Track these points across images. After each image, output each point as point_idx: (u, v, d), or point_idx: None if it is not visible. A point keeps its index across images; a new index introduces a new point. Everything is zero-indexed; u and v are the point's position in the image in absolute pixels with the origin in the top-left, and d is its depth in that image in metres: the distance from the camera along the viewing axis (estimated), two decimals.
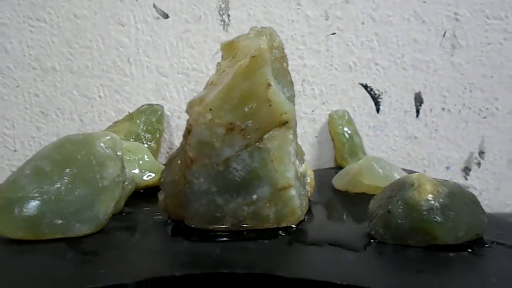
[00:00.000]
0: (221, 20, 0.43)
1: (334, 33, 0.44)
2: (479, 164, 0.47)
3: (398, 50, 0.45)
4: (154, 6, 0.43)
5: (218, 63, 0.25)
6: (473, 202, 0.23)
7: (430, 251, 0.21)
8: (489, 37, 0.45)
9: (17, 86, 0.43)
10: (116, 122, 0.42)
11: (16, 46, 0.43)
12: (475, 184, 0.47)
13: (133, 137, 0.40)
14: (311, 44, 0.44)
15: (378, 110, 0.46)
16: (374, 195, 0.31)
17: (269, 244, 0.22)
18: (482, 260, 0.20)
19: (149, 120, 0.41)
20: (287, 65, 0.28)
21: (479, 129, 0.46)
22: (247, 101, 0.22)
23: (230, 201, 0.23)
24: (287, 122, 0.22)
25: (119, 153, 0.24)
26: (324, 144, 0.46)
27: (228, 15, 0.43)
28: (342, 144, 0.43)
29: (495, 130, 0.46)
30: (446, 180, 0.23)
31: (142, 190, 0.32)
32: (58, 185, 0.22)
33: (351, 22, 0.44)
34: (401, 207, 0.22)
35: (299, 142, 0.27)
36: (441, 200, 0.21)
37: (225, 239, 0.22)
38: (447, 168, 0.47)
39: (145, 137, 0.40)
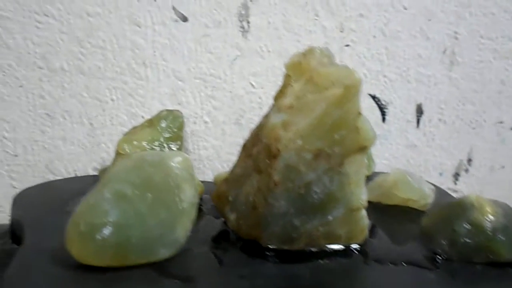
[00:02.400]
0: (240, 27, 0.43)
1: (348, 45, 0.46)
2: (467, 170, 0.51)
3: (404, 64, 0.47)
4: (173, 8, 0.42)
5: (290, 85, 0.26)
6: None
7: (495, 268, 0.23)
8: (482, 56, 0.49)
9: (20, 86, 0.40)
10: (134, 127, 0.40)
11: (20, 42, 0.39)
12: (462, 188, 0.52)
13: (157, 144, 0.38)
14: None
15: (384, 119, 0.48)
16: (406, 207, 0.34)
17: (348, 263, 0.23)
18: None
19: (170, 126, 0.40)
20: None
21: (469, 139, 0.51)
22: (337, 128, 0.22)
23: (306, 222, 0.24)
24: (366, 147, 0.24)
25: (192, 173, 0.24)
26: None
27: (248, 22, 0.43)
28: None
29: (482, 140, 0.51)
30: (495, 200, 0.26)
31: None
32: (141, 210, 0.22)
33: (364, 35, 0.46)
34: (466, 227, 0.24)
35: None
36: (501, 220, 0.24)
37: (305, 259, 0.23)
38: (440, 174, 0.51)
39: (168, 144, 0.39)
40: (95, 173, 0.42)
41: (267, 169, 0.23)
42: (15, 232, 0.31)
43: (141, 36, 0.41)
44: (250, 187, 0.25)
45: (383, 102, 0.48)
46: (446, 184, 0.51)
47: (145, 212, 0.22)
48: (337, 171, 0.23)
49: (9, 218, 0.32)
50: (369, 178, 0.44)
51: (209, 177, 0.45)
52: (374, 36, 0.46)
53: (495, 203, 0.25)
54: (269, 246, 0.24)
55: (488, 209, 0.24)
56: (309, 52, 0.27)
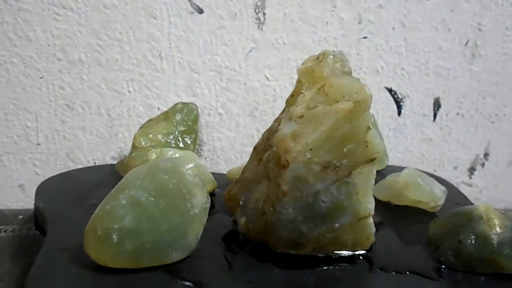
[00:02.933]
0: (256, 18, 0.43)
1: (365, 37, 0.45)
2: (483, 164, 0.51)
3: (424, 57, 0.46)
4: (189, 0, 0.41)
5: (301, 93, 0.26)
6: None
7: (498, 280, 0.24)
8: (506, 48, 0.47)
9: (41, 77, 0.41)
10: (150, 120, 0.41)
11: (40, 34, 0.40)
12: (477, 182, 0.51)
13: (172, 137, 0.39)
14: (343, 47, 0.45)
15: (399, 113, 0.48)
16: (416, 208, 0.34)
17: (353, 270, 0.24)
18: None
19: (185, 120, 0.41)
20: None
21: (487, 133, 0.50)
22: (346, 142, 0.23)
23: (314, 229, 0.25)
24: (375, 159, 0.24)
25: (204, 179, 0.25)
26: None
27: (264, 14, 0.43)
28: None
29: (500, 134, 0.50)
30: (505, 212, 0.26)
31: None
32: (154, 215, 0.23)
33: (382, 27, 0.45)
34: (473, 238, 0.24)
35: None
36: (508, 234, 0.24)
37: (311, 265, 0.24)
38: (455, 168, 0.50)
39: (182, 137, 0.40)
40: (113, 162, 0.44)
41: (276, 178, 0.24)
42: (38, 222, 0.33)
43: (157, 28, 0.42)
44: (260, 194, 0.25)
45: (400, 96, 0.47)
46: (461, 178, 0.51)
47: (158, 218, 0.23)
48: (345, 182, 0.24)
49: (33, 204, 0.34)
50: (382, 173, 0.44)
51: (223, 167, 0.46)
52: (393, 28, 0.45)
53: (505, 215, 0.25)
54: (277, 251, 0.25)
55: (496, 221, 0.24)
56: (323, 56, 0.27)
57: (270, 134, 0.27)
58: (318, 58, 0.27)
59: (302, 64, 0.28)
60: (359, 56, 0.45)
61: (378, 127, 0.47)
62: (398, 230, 0.30)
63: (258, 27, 0.43)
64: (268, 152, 0.26)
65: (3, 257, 0.34)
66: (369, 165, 0.24)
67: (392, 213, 0.34)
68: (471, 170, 0.51)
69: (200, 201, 0.24)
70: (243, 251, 0.26)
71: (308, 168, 0.23)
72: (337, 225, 0.25)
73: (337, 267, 0.24)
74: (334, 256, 0.25)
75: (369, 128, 0.23)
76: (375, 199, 0.36)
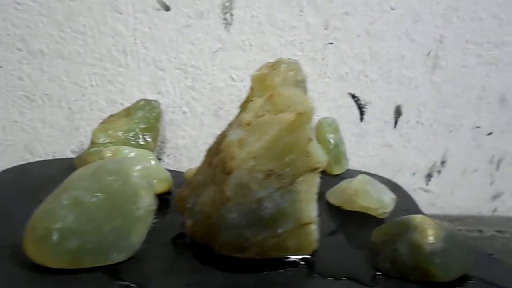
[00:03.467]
0: (223, 19, 0.43)
1: (331, 43, 0.46)
2: (439, 172, 0.53)
3: (387, 65, 0.47)
4: None
5: (252, 100, 0.26)
6: (464, 243, 0.27)
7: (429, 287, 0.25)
8: (465, 60, 0.49)
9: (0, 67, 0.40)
10: (111, 115, 0.41)
11: (0, 23, 0.39)
12: (434, 189, 0.53)
13: (132, 134, 0.39)
14: (309, 52, 0.46)
15: (362, 118, 0.49)
16: (365, 214, 0.35)
17: (293, 275, 0.25)
18: None
19: (147, 117, 0.41)
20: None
21: (444, 142, 0.52)
22: (288, 152, 0.23)
23: (257, 233, 0.25)
24: (317, 168, 0.25)
25: (151, 181, 0.25)
26: None
27: (231, 15, 0.43)
28: (328, 150, 0.46)
29: (457, 143, 0.52)
30: (442, 222, 0.27)
31: None
32: (97, 216, 0.23)
33: (348, 34, 0.46)
34: (407, 248, 0.25)
35: None
36: (440, 244, 0.25)
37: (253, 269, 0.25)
38: (413, 174, 0.52)
39: (143, 135, 0.40)
40: (74, 155, 0.43)
41: (221, 183, 0.24)
42: None
43: (122, 23, 0.41)
44: (207, 197, 0.26)
45: (362, 102, 0.48)
46: (418, 184, 0.52)
47: (100, 219, 0.23)
48: (288, 189, 0.24)
49: None
50: (341, 176, 0.46)
51: (185, 165, 0.46)
52: (358, 36, 0.46)
53: (441, 226, 0.26)
54: (222, 254, 0.26)
55: (430, 232, 0.25)
56: (277, 64, 0.28)
57: (222, 137, 0.27)
58: (273, 65, 0.28)
59: (257, 70, 0.28)
60: (324, 61, 0.46)
61: (340, 132, 0.48)
62: (346, 235, 0.31)
63: (225, 27, 0.43)
64: (218, 156, 0.26)
65: None
66: (312, 174, 0.25)
67: (343, 218, 0.35)
68: (428, 176, 0.53)
69: (146, 203, 0.25)
70: (189, 253, 0.26)
71: (251, 176, 0.23)
72: (280, 230, 0.25)
73: (277, 271, 0.25)
74: (277, 261, 0.26)
75: (310, 140, 0.23)
76: (328, 203, 0.37)
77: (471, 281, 0.26)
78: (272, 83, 0.25)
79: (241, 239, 0.25)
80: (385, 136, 0.50)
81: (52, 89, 0.42)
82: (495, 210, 0.55)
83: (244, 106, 0.27)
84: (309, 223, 0.26)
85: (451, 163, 0.52)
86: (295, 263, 0.26)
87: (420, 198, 0.53)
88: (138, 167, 0.25)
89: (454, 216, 0.54)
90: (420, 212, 0.40)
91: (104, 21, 0.41)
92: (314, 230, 0.26)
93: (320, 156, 0.24)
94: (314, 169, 0.24)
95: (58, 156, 0.43)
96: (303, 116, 0.23)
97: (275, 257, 0.26)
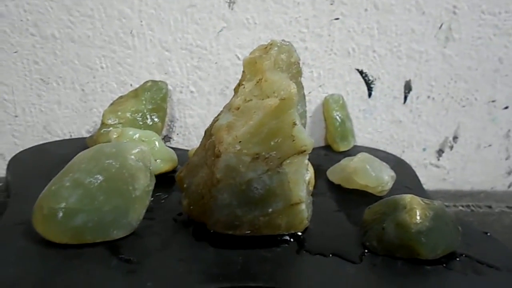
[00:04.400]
0: None
1: (337, 18, 0.45)
2: (451, 147, 0.52)
3: (396, 39, 0.46)
4: None
5: (242, 84, 0.27)
6: (452, 222, 0.27)
7: (413, 265, 0.26)
8: (481, 32, 0.47)
9: (15, 52, 0.42)
10: (121, 97, 0.43)
11: (13, 9, 0.41)
12: (445, 164, 0.53)
13: (140, 115, 0.41)
14: (314, 28, 0.45)
15: (370, 95, 0.48)
16: (364, 191, 0.36)
17: (281, 252, 0.26)
18: (453, 274, 0.25)
19: (154, 98, 0.42)
20: (301, 78, 0.30)
21: (457, 117, 0.50)
22: (273, 136, 0.24)
23: (248, 213, 0.27)
24: (304, 151, 0.25)
25: (148, 164, 0.27)
26: (317, 124, 0.49)
27: None
28: (334, 128, 0.46)
29: (470, 118, 0.50)
30: (433, 201, 0.28)
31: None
32: (97, 197, 0.25)
33: (355, 8, 0.45)
34: (394, 226, 0.26)
35: None
36: (427, 223, 0.26)
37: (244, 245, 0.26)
38: (424, 149, 0.52)
39: (150, 115, 0.42)
40: (89, 135, 0.46)
41: (211, 166, 0.26)
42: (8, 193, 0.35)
43: (128, 6, 0.42)
44: (200, 178, 0.27)
45: (370, 78, 0.48)
46: (429, 159, 0.52)
47: (100, 199, 0.25)
48: (276, 171, 0.25)
49: None
50: (347, 153, 0.46)
51: (194, 143, 0.48)
52: (366, 10, 0.45)
53: (430, 205, 0.27)
54: (216, 231, 0.27)
55: (418, 211, 0.26)
56: (269, 47, 0.28)
57: (215, 121, 0.28)
58: (265, 48, 0.28)
59: (250, 53, 0.29)
60: (330, 37, 0.46)
61: (347, 108, 0.48)
62: (342, 213, 0.32)
63: (229, 6, 0.43)
64: (210, 139, 0.27)
65: None
66: (299, 156, 0.25)
67: (342, 196, 0.35)
68: (440, 152, 0.52)
69: (143, 184, 0.26)
70: (186, 230, 0.28)
71: (238, 159, 0.24)
72: (270, 210, 0.27)
73: (268, 249, 0.26)
74: (268, 238, 0.27)
75: (294, 124, 0.24)
76: (328, 181, 0.38)
77: (458, 259, 0.27)
78: (262, 67, 0.26)
79: (233, 217, 0.27)
80: (394, 112, 0.49)
81: (65, 72, 0.44)
82: (510, 185, 0.54)
83: (236, 90, 0.28)
84: (298, 203, 0.27)
85: (464, 138, 0.51)
86: (286, 241, 0.28)
87: (431, 174, 0.53)
88: (135, 151, 0.26)
89: (466, 192, 0.53)
90: (422, 190, 0.40)
91: (110, 3, 0.42)
92: (303, 210, 0.27)
93: (305, 140, 0.25)
94: (300, 152, 0.25)
95: (74, 135, 0.46)
96: (287, 101, 0.23)
97: (267, 235, 0.28)
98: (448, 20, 0.46)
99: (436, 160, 0.52)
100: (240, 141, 0.24)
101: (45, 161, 0.38)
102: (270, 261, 0.25)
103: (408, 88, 0.49)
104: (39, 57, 0.43)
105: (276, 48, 0.27)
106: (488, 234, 0.31)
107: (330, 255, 0.26)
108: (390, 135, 0.50)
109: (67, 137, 0.46)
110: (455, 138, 0.51)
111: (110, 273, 0.23)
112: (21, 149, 0.42)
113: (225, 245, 0.26)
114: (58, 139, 0.46)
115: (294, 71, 0.29)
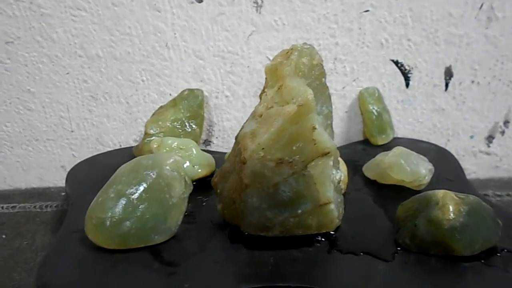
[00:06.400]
0: (254, 2, 0.44)
1: (367, 10, 0.44)
2: (503, 132, 0.49)
3: (432, 25, 0.45)
4: None
5: (264, 91, 0.28)
6: (490, 216, 0.26)
7: (449, 262, 0.25)
8: None
9: (67, 73, 0.46)
10: (161, 107, 0.45)
11: (62, 35, 0.45)
12: (497, 151, 0.50)
13: (179, 123, 0.43)
14: (344, 23, 0.45)
15: (407, 85, 0.47)
16: (401, 186, 0.35)
17: (313, 252, 0.27)
18: (493, 270, 0.25)
19: (191, 105, 0.44)
20: (325, 79, 0.30)
21: (507, 100, 0.48)
22: (294, 141, 0.25)
23: (278, 214, 0.28)
24: (328, 153, 0.26)
25: (182, 173, 0.29)
26: (353, 119, 0.48)
27: None
28: (371, 121, 0.46)
29: None
30: (468, 196, 0.27)
31: (194, 182, 0.37)
32: (138, 206, 0.27)
33: None
34: (426, 223, 0.26)
35: None
36: (461, 219, 0.25)
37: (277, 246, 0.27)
38: (471, 137, 0.49)
39: (188, 122, 0.44)
40: (136, 143, 0.49)
41: (239, 171, 0.27)
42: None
43: (161, 20, 0.45)
44: (231, 184, 0.29)
45: (407, 67, 0.46)
46: (478, 147, 0.50)
47: (141, 208, 0.27)
48: (302, 174, 0.26)
49: None
50: (386, 146, 0.45)
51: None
52: None
53: (464, 200, 0.26)
54: (247, 233, 0.29)
55: (451, 207, 0.25)
56: (290, 52, 0.29)
57: (242, 128, 0.30)
58: (287, 53, 0.29)
59: (272, 60, 0.30)
60: (361, 30, 0.45)
61: (384, 101, 0.47)
62: (376, 210, 0.32)
63: (257, 10, 0.44)
64: (238, 146, 0.28)
65: (47, 230, 0.41)
66: (323, 158, 0.26)
67: (378, 192, 0.35)
68: (490, 138, 0.49)
69: (178, 192, 0.28)
70: (222, 233, 0.30)
71: (263, 164, 0.26)
72: (299, 211, 0.27)
73: (300, 249, 0.27)
74: (301, 238, 0.28)
75: (314, 128, 0.24)
76: (364, 177, 0.38)
77: (499, 254, 0.26)
78: (282, 74, 0.27)
79: (264, 220, 0.28)
80: (435, 100, 0.48)
81: (110, 88, 0.47)
82: None
83: (260, 97, 0.29)
84: (327, 203, 0.27)
85: None
86: (318, 241, 0.28)
87: (481, 162, 0.50)
88: (169, 161, 0.28)
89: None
90: (465, 181, 0.39)
91: (146, 20, 0.44)
92: (333, 209, 0.28)
93: (327, 142, 0.25)
94: (324, 154, 0.26)
95: (123, 145, 0.50)
96: (304, 107, 0.24)
97: (299, 235, 0.28)
98: None
99: (486, 147, 0.50)
100: (263, 148, 0.25)
101: (98, 171, 0.41)
102: (301, 261, 0.26)
103: (449, 74, 0.47)
104: (87, 76, 0.47)
105: (296, 53, 0.28)
106: None
107: (361, 253, 0.27)
108: (433, 124, 0.49)
109: (117, 147, 0.50)
110: (506, 122, 0.49)
111: (153, 275, 0.25)
112: (79, 161, 0.46)
113: (258, 247, 0.28)
114: (109, 149, 0.49)
115: (317, 73, 0.29)
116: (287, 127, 0.24)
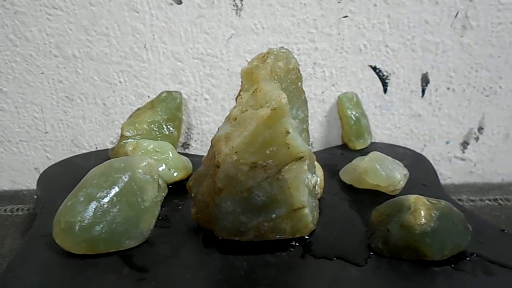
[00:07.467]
0: (233, 5, 0.44)
1: (346, 16, 0.45)
2: (477, 138, 0.50)
3: (409, 32, 0.45)
4: None
5: (240, 95, 0.28)
6: (460, 221, 0.27)
7: (420, 266, 0.25)
8: (501, 17, 0.45)
9: (42, 73, 0.45)
10: (138, 109, 0.45)
11: (36, 34, 0.44)
12: (471, 157, 0.51)
13: (156, 126, 0.43)
14: (323, 28, 0.45)
15: (385, 90, 0.48)
16: (376, 191, 0.36)
17: (286, 257, 0.27)
18: (462, 275, 0.25)
19: (169, 108, 0.44)
20: (302, 83, 0.30)
21: (481, 107, 0.49)
22: (268, 145, 0.25)
23: (252, 219, 0.27)
24: (302, 157, 0.26)
25: (155, 176, 0.28)
26: (332, 123, 0.49)
27: (241, 0, 0.44)
28: (349, 126, 0.46)
29: (495, 107, 0.48)
30: (438, 201, 0.27)
31: (170, 186, 0.37)
32: (109, 210, 0.27)
33: (363, 4, 0.44)
34: (399, 228, 0.26)
35: (309, 122, 0.30)
36: (432, 224, 0.25)
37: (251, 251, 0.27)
38: (447, 142, 0.50)
39: (166, 125, 0.43)
40: (113, 146, 0.48)
41: (213, 175, 0.27)
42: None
43: (140, 21, 0.44)
44: (205, 188, 0.28)
45: (385, 73, 0.47)
46: (453, 152, 0.50)
47: (111, 211, 0.27)
48: (276, 178, 0.26)
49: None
50: (364, 151, 0.46)
51: None
52: (375, 5, 0.44)
53: (436, 205, 0.26)
54: (221, 238, 0.28)
55: (423, 212, 0.26)
56: (266, 56, 0.29)
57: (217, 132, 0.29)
58: (263, 57, 0.29)
59: (248, 63, 0.30)
60: (340, 35, 0.45)
61: (362, 106, 0.47)
62: (351, 214, 0.32)
63: (236, 13, 0.44)
64: (212, 149, 0.28)
65: (17, 234, 0.40)
66: (297, 163, 0.26)
67: (353, 196, 0.35)
68: (464, 144, 0.50)
69: (151, 196, 0.28)
70: (195, 237, 0.29)
71: (237, 168, 0.25)
72: (273, 215, 0.27)
73: (273, 253, 0.27)
74: (274, 243, 0.28)
75: (288, 132, 0.24)
76: (341, 181, 0.38)
77: (468, 259, 0.26)
78: (257, 77, 0.27)
79: (238, 224, 0.28)
80: (412, 106, 0.48)
81: (87, 89, 0.46)
82: None
83: (237, 100, 0.29)
84: (301, 208, 0.27)
85: (490, 128, 0.49)
86: (292, 245, 0.28)
87: (456, 167, 0.51)
88: (142, 164, 0.28)
89: (495, 184, 0.51)
90: (439, 186, 0.39)
91: (124, 21, 0.44)
92: (307, 214, 0.28)
93: (300, 147, 0.25)
94: (298, 159, 0.26)
95: (100, 147, 0.49)
96: (277, 111, 0.24)
97: (274, 240, 0.28)
98: (464, 8, 0.44)
99: (461, 153, 0.51)
100: (236, 152, 0.25)
101: (72, 173, 0.40)
102: (273, 266, 0.26)
103: (425, 81, 0.47)
104: (62, 76, 0.46)
105: (272, 57, 0.28)
106: (505, 231, 0.30)
107: (334, 258, 0.27)
108: (410, 129, 0.49)
109: (93, 149, 0.49)
110: (480, 129, 0.50)
111: (122, 281, 0.25)
112: (53, 163, 0.45)
113: (231, 251, 0.27)
114: (85, 151, 0.48)
115: (293, 77, 0.29)
116: (260, 131, 0.24)
